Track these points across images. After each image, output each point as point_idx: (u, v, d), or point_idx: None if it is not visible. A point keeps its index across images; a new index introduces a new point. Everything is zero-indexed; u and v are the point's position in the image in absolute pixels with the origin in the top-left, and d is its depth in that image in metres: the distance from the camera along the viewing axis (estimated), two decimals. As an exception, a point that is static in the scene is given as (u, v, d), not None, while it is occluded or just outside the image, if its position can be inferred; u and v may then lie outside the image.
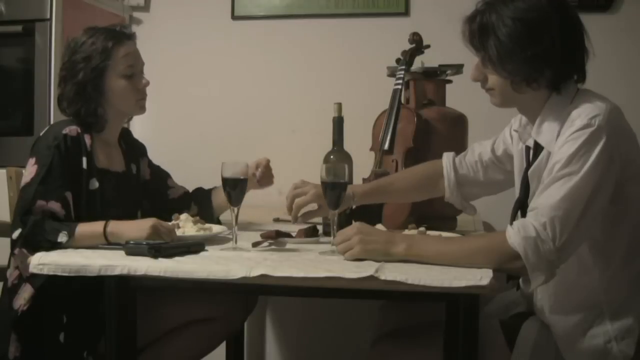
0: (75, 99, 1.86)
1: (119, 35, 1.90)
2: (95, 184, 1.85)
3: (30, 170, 1.76)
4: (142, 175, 2.09)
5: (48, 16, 2.44)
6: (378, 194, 1.91)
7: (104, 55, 1.85)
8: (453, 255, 1.49)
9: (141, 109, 1.96)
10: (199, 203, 2.10)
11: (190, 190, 2.16)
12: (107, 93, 1.88)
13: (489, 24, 1.53)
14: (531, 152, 1.66)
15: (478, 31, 1.55)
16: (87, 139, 1.85)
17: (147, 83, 1.95)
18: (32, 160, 1.78)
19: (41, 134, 1.85)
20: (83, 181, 1.82)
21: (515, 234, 1.43)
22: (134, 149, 2.08)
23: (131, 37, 1.94)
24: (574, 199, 1.43)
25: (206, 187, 2.17)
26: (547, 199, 1.45)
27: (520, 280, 1.49)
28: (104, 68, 1.85)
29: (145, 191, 2.09)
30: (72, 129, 1.82)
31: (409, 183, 1.93)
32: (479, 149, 1.89)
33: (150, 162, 2.14)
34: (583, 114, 1.47)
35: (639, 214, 1.54)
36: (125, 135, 2.06)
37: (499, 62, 1.53)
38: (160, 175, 2.15)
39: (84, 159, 1.83)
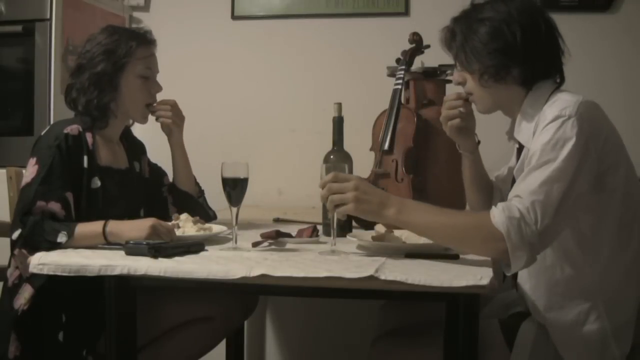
0: (90, 90, 1.87)
1: (143, 37, 1.94)
2: (97, 182, 1.84)
3: (30, 171, 1.76)
4: (143, 173, 2.10)
5: (48, 16, 2.44)
6: (479, 164, 1.90)
7: (126, 52, 1.88)
8: (439, 228, 1.50)
9: (144, 118, 1.98)
10: (172, 192, 2.12)
11: None
12: (121, 90, 1.90)
13: (458, 27, 1.65)
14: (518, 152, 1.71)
15: (449, 33, 1.68)
16: (89, 137, 1.86)
17: (160, 89, 1.98)
18: (32, 160, 1.78)
19: (42, 133, 1.85)
20: (84, 180, 1.82)
21: (499, 213, 1.45)
22: (135, 147, 2.09)
23: (153, 42, 1.98)
24: (552, 184, 1.45)
25: (205, 187, 2.20)
26: (527, 185, 1.48)
27: (501, 264, 1.50)
28: (124, 64, 1.88)
29: (145, 189, 2.09)
30: (73, 128, 1.82)
31: (487, 181, 1.95)
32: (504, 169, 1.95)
33: (149, 161, 2.15)
34: (554, 108, 1.52)
35: (621, 205, 1.56)
36: (126, 133, 2.07)
37: (466, 60, 1.63)
38: (159, 173, 2.16)
39: (85, 158, 1.83)
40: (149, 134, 2.13)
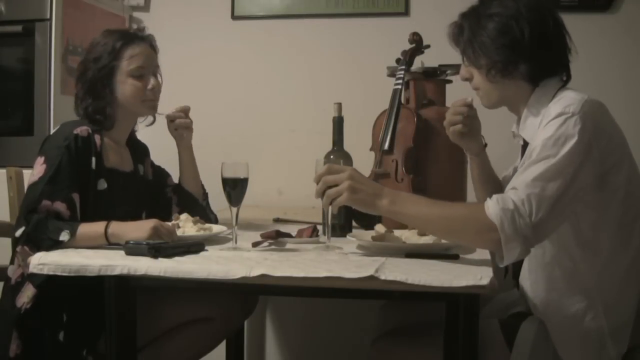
0: (85, 97, 1.89)
1: (130, 36, 1.93)
2: (103, 184, 1.85)
3: (38, 169, 1.77)
4: (146, 176, 2.10)
5: (48, 16, 2.44)
6: (486, 165, 1.92)
7: (112, 56, 1.88)
8: (432, 218, 1.51)
9: (150, 109, 1.98)
10: (176, 192, 2.12)
11: None
12: (116, 92, 1.90)
13: (467, 23, 1.66)
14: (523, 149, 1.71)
15: (457, 29, 1.68)
16: (97, 139, 1.86)
17: (157, 84, 1.95)
18: (40, 159, 1.78)
19: (51, 133, 1.86)
20: (91, 181, 1.82)
21: (494, 205, 1.45)
22: (138, 150, 2.09)
23: (144, 38, 1.96)
24: (550, 178, 1.45)
25: (205, 187, 2.19)
26: (524, 178, 1.48)
27: (496, 256, 1.50)
28: (113, 68, 1.89)
29: (148, 191, 2.09)
30: (83, 129, 1.83)
31: (495, 180, 1.95)
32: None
33: (152, 163, 2.15)
34: (559, 105, 1.53)
35: (623, 204, 1.56)
36: (130, 137, 2.06)
37: (474, 55, 1.64)
38: (162, 175, 2.16)
39: (93, 159, 1.83)
40: (150, 134, 2.13)
